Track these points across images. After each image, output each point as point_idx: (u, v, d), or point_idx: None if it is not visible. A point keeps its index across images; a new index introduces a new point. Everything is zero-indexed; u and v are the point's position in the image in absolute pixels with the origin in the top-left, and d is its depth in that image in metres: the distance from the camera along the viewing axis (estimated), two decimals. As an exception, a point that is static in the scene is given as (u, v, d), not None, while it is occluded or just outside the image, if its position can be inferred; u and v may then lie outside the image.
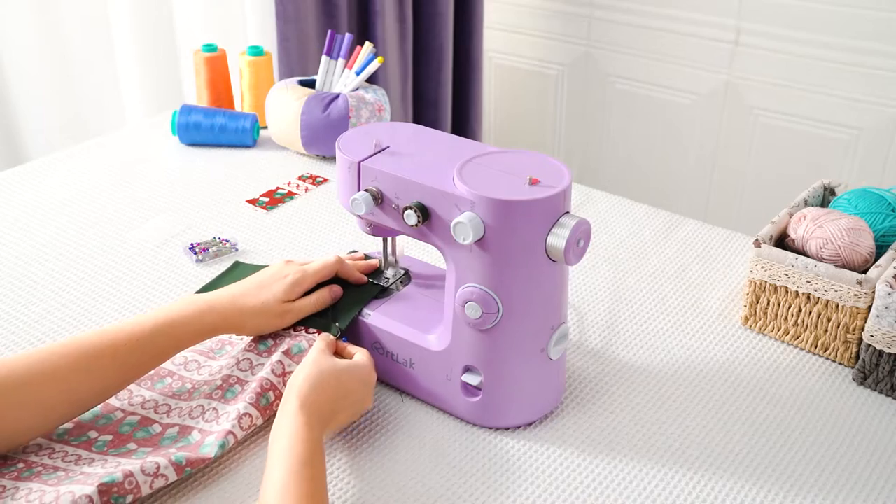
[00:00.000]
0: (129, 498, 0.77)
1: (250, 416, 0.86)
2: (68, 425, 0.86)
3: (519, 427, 0.90)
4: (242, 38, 1.99)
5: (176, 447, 0.84)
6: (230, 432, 0.84)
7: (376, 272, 1.00)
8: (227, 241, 1.20)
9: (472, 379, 0.88)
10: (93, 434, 0.85)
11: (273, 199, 1.34)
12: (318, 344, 0.87)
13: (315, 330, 0.93)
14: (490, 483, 0.84)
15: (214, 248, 1.18)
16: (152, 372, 0.93)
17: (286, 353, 0.90)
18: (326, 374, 0.82)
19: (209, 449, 0.83)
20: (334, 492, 0.82)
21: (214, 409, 0.88)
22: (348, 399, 0.84)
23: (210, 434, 0.85)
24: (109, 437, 0.85)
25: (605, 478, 0.85)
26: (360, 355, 0.89)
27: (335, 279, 0.97)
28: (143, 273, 1.15)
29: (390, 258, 0.99)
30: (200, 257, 1.17)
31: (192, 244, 1.19)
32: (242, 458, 0.86)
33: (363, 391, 0.86)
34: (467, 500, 0.82)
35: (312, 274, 0.94)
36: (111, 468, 0.78)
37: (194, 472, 0.84)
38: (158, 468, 0.79)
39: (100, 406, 0.88)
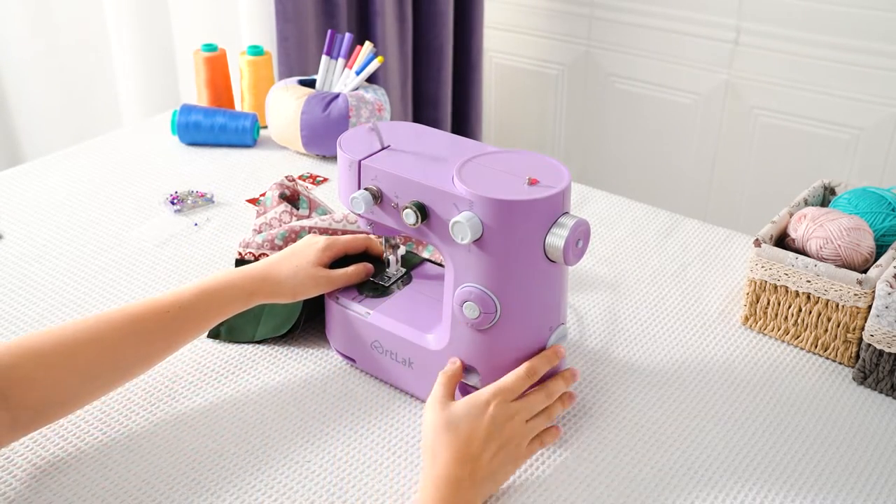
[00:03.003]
0: None
1: None
2: None
3: (518, 427, 0.90)
4: (241, 37, 1.99)
5: None
6: None
7: (378, 271, 1.00)
8: (203, 193, 1.32)
9: (471, 379, 0.88)
10: None
11: (273, 199, 1.34)
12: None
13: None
14: (489, 483, 0.84)
15: (191, 200, 1.31)
16: None
17: None
18: (435, 426, 0.80)
19: None
20: (333, 490, 0.82)
21: None
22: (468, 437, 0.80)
23: None
24: None
25: (606, 478, 0.84)
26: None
27: (364, 257, 1.01)
28: (143, 272, 1.15)
29: (390, 257, 0.99)
30: (178, 207, 1.29)
31: (171, 198, 1.31)
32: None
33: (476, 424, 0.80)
34: (467, 500, 0.82)
35: (343, 241, 0.99)
36: None
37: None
38: None
39: None
